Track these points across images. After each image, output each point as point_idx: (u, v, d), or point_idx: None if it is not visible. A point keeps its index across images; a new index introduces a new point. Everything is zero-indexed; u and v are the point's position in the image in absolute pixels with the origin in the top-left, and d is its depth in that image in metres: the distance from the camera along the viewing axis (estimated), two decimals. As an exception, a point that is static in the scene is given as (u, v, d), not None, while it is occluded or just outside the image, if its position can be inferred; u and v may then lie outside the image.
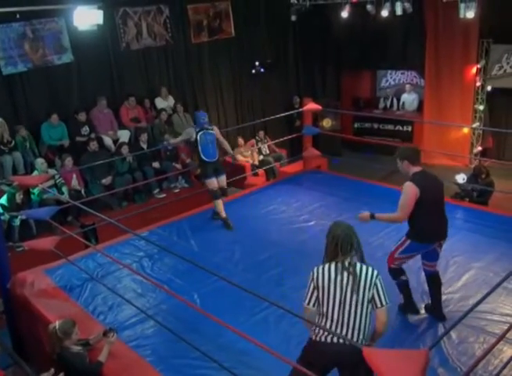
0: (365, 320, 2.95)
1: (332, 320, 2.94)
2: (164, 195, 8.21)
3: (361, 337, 2.94)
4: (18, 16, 7.29)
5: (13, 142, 7.32)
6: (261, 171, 9.17)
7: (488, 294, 2.96)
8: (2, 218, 6.19)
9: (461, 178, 7.63)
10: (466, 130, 10.18)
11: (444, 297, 4.54)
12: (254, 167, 9.36)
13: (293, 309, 3.03)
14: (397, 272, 4.27)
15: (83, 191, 7.54)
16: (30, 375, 4.02)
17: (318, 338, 2.98)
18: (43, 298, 4.87)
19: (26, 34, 7.55)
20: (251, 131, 10.12)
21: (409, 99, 11.28)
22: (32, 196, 7.04)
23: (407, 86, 11.36)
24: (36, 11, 7.44)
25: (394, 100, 11.55)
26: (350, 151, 11.03)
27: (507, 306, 4.41)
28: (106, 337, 3.86)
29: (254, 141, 9.71)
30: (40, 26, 7.70)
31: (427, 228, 4.03)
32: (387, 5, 8.65)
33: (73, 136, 8.03)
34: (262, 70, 10.66)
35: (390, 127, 11.24)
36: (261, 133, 9.69)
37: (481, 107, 9.99)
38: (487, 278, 4.83)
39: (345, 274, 2.94)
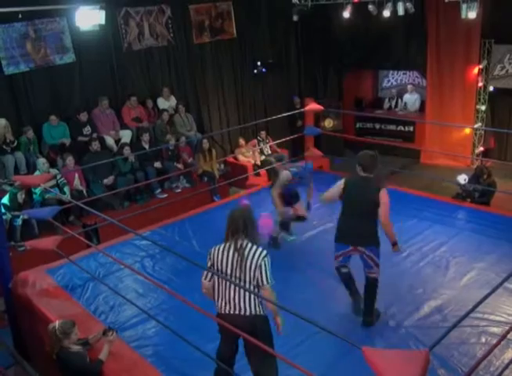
0: (251, 295, 3.26)
1: (224, 294, 3.31)
2: (165, 195, 8.22)
3: (249, 308, 3.27)
4: (20, 15, 7.30)
5: (16, 142, 7.34)
6: (262, 171, 9.17)
7: (489, 294, 2.95)
8: (4, 217, 6.20)
9: (462, 178, 7.60)
10: (468, 130, 10.16)
11: (445, 297, 4.54)
12: (255, 167, 9.36)
13: (295, 309, 3.03)
14: (338, 270, 4.42)
15: (85, 191, 7.55)
16: (31, 375, 4.03)
17: (218, 311, 3.39)
18: (45, 297, 4.88)
19: (28, 33, 7.56)
20: (253, 132, 10.13)
21: (411, 99, 11.27)
22: (34, 196, 7.05)
23: (409, 86, 11.36)
24: (38, 11, 7.46)
25: (397, 100, 11.54)
26: (352, 151, 11.02)
27: (509, 307, 4.41)
28: (106, 336, 3.88)
29: (255, 141, 9.71)
30: (42, 26, 7.71)
31: (340, 228, 4.33)
32: (389, 5, 8.64)
33: (74, 136, 8.04)
34: (264, 70, 10.66)
35: (392, 127, 11.23)
36: (263, 133, 9.70)
37: (483, 108, 9.96)
38: (488, 278, 4.83)
39: (236, 254, 3.27)
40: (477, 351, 3.87)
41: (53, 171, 7.31)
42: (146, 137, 8.35)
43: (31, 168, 7.42)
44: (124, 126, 8.69)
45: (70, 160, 7.40)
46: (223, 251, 3.32)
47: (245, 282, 3.26)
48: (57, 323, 3.87)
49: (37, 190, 6.96)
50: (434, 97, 10.39)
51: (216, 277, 3.35)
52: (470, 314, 2.78)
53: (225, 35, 10.04)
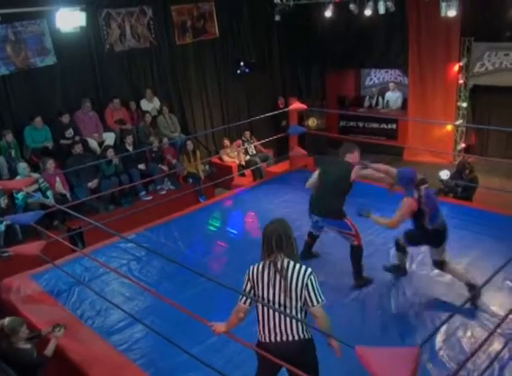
0: (301, 317, 2.98)
1: (267, 322, 3.00)
2: (150, 197, 8.17)
3: (297, 333, 2.98)
4: (-1, 18, 7.20)
5: (-4, 147, 7.24)
6: (247, 171, 9.18)
7: (476, 291, 2.99)
8: (-13, 223, 6.11)
9: (445, 174, 7.70)
10: (449, 127, 10.29)
11: (432, 292, 4.59)
12: (240, 167, 9.35)
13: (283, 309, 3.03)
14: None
15: (68, 195, 7.47)
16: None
17: (260, 339, 3.08)
18: (30, 303, 4.83)
19: (8, 36, 7.45)
20: (237, 132, 10.12)
21: (393, 97, 11.36)
22: (16, 201, 6.95)
23: (391, 84, 11.45)
24: (18, 13, 7.35)
25: (379, 98, 11.64)
26: (335, 150, 11.05)
27: (494, 302, 4.46)
28: (54, 331, 3.97)
29: (240, 141, 9.70)
30: (22, 28, 7.60)
31: (311, 202, 5.02)
32: (370, 4, 8.71)
33: (57, 139, 7.95)
34: (247, 70, 10.66)
35: (375, 125, 11.31)
36: (247, 133, 9.69)
37: (464, 104, 10.09)
38: (473, 275, 4.88)
39: (277, 276, 2.95)
40: (465, 345, 3.91)
41: (35, 175, 7.21)
42: (129, 139, 8.29)
43: (14, 172, 7.30)
44: (107, 128, 8.62)
45: (50, 164, 7.30)
46: (263, 273, 3.00)
47: (291, 305, 2.96)
48: (6, 320, 3.90)
49: (20, 195, 6.86)
50: (416, 95, 10.50)
51: (259, 307, 3.03)
52: (458, 311, 2.82)
53: (208, 36, 10.02)
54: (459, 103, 10.11)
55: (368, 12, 8.82)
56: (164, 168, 8.49)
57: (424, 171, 9.06)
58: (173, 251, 5.75)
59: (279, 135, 8.34)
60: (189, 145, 8.77)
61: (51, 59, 7.97)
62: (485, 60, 9.62)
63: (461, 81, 9.94)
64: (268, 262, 2.99)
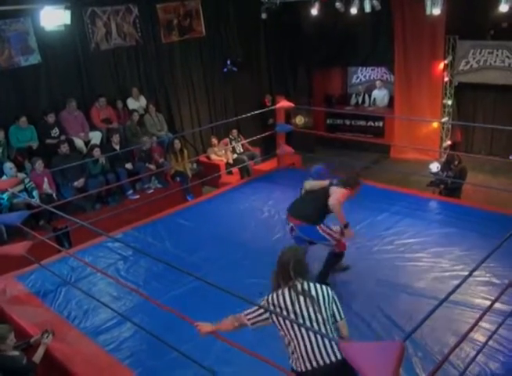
0: (332, 335, 2.95)
1: (305, 345, 2.87)
2: (137, 196, 8.13)
3: (335, 350, 2.86)
4: (-18, 16, 7.12)
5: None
6: (235, 169, 9.18)
7: (459, 285, 3.04)
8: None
9: (435, 166, 7.88)
10: (435, 124, 10.38)
11: (417, 289, 4.65)
12: (228, 165, 9.36)
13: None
14: None
15: (55, 195, 7.42)
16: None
17: (302, 368, 2.89)
18: (16, 305, 4.80)
19: (-9, 35, 7.37)
20: (225, 130, 10.12)
21: (380, 95, 11.44)
22: (1, 201, 6.88)
23: (377, 82, 11.53)
24: (1, 11, 7.26)
25: (366, 96, 11.70)
26: (323, 148, 11.12)
27: (477, 296, 4.53)
28: (42, 338, 3.93)
29: (227, 140, 9.70)
30: (5, 26, 7.51)
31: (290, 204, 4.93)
32: (356, 2, 8.75)
33: (42, 139, 7.89)
34: (234, 68, 10.65)
35: (362, 123, 11.38)
36: (235, 132, 9.70)
37: (450, 102, 10.19)
38: (458, 269, 4.95)
39: (301, 298, 2.93)
40: (450, 339, 3.96)
41: (21, 175, 7.15)
42: (116, 138, 8.25)
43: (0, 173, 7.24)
44: (93, 127, 8.56)
45: (39, 164, 7.25)
46: (285, 301, 2.94)
47: (324, 324, 2.91)
48: None
49: (5, 195, 6.79)
50: (402, 92, 10.58)
51: (287, 330, 2.91)
52: (442, 304, 2.85)
53: (194, 34, 9.99)
54: (444, 101, 10.21)
55: (354, 10, 8.86)
56: (152, 167, 8.46)
57: (411, 168, 9.24)
58: (160, 250, 5.74)
59: (266, 134, 8.36)
60: (177, 144, 8.75)
61: (35, 58, 7.89)
62: (470, 58, 9.72)
63: (446, 79, 10.04)
64: (287, 288, 2.98)
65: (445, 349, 3.74)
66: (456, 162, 7.54)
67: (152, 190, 8.38)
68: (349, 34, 10.76)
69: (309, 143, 10.71)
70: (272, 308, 2.97)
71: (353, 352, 2.28)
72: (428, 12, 8.23)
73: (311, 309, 2.91)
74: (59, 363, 4.02)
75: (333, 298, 3.02)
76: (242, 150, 9.70)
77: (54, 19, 7.63)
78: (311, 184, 4.93)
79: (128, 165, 8.28)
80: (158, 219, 6.60)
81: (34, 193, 7.07)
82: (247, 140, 9.06)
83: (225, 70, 10.61)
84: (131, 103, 9.13)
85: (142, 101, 9.26)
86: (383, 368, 2.12)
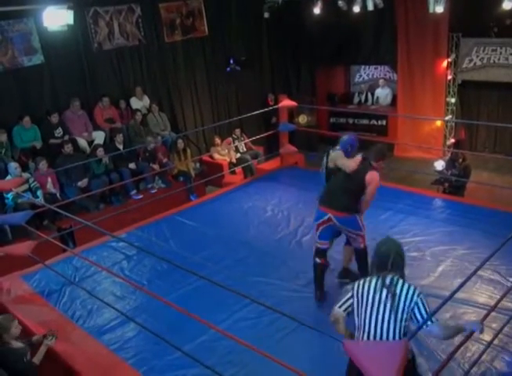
0: (398, 335, 2.90)
1: (368, 336, 2.92)
2: (141, 196, 8.14)
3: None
4: (-15, 17, 7.14)
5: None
6: (238, 169, 9.17)
7: (463, 283, 3.03)
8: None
9: (440, 165, 7.88)
10: (439, 123, 10.35)
11: (422, 286, 4.62)
12: (231, 165, 9.36)
13: (273, 306, 3.05)
14: (316, 253, 4.63)
15: (58, 194, 7.43)
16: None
17: None
18: (21, 304, 4.81)
19: (-6, 35, 7.40)
20: (228, 130, 10.12)
21: (383, 93, 11.40)
22: (6, 201, 6.91)
23: (380, 81, 11.49)
24: (4, 12, 7.28)
25: (369, 95, 11.67)
26: (326, 146, 11.08)
27: (482, 294, 4.52)
28: (45, 338, 3.91)
29: (230, 139, 9.70)
30: (8, 27, 7.53)
31: (323, 192, 4.65)
32: (359, 0, 8.72)
33: (46, 139, 7.90)
34: (237, 67, 10.64)
35: (365, 121, 11.35)
36: (238, 131, 9.69)
37: (453, 100, 10.15)
38: (462, 267, 4.94)
39: (384, 292, 2.92)
40: (455, 338, 3.94)
41: (25, 175, 7.17)
42: (119, 138, 8.26)
43: (3, 172, 7.25)
44: (96, 127, 8.58)
45: (43, 164, 7.26)
46: (369, 288, 2.98)
47: (395, 324, 2.89)
48: None
49: (10, 195, 6.81)
50: (405, 91, 10.54)
51: (359, 315, 2.98)
52: (447, 302, 2.84)
53: (197, 33, 9.99)
54: (448, 99, 10.16)
55: (357, 8, 8.83)
56: (156, 166, 8.47)
57: (415, 167, 9.21)
58: (164, 249, 5.74)
59: (269, 133, 8.35)
60: (180, 143, 8.76)
61: (38, 58, 7.91)
62: (473, 56, 9.68)
63: (450, 77, 10.00)
64: (375, 278, 2.99)
65: (449, 348, 3.72)
66: (461, 160, 7.56)
67: (155, 190, 8.38)
68: (352, 33, 10.74)
69: (312, 142, 10.71)
70: (355, 291, 3.01)
71: (357, 351, 2.28)
72: (431, 10, 8.20)
73: (388, 305, 2.89)
74: (63, 363, 4.03)
75: (416, 302, 2.88)
76: (245, 150, 9.70)
77: (57, 19, 7.64)
78: (340, 160, 4.58)
79: (132, 165, 8.29)
80: (162, 219, 6.61)
81: (39, 192, 7.08)
82: (250, 139, 9.05)
83: (228, 69, 10.60)
84: (135, 103, 9.13)
85: (146, 101, 9.26)
86: (387, 367, 2.12)
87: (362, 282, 3.02)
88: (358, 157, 4.51)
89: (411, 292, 2.90)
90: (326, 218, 4.51)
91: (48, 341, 3.91)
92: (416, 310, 2.87)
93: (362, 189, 4.45)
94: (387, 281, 2.93)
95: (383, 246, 3.06)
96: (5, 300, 4.85)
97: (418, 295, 2.90)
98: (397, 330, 2.87)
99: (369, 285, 2.98)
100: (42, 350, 3.89)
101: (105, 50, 8.74)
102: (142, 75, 9.33)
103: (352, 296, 3.03)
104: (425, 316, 2.85)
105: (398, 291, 2.90)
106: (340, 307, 3.07)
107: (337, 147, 4.70)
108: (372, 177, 4.44)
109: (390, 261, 2.97)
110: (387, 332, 2.87)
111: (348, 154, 4.57)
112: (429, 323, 2.85)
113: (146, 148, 8.41)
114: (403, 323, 2.89)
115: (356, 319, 3.00)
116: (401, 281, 2.95)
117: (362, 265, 4.62)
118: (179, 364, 3.83)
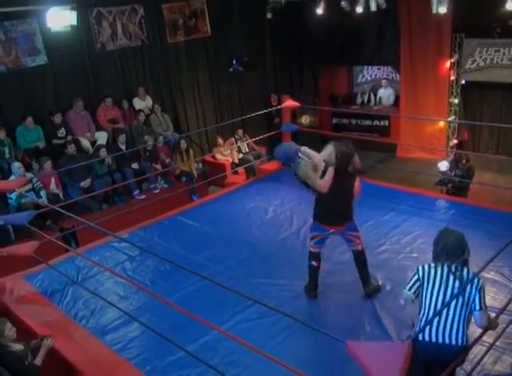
0: (465, 322, 3.09)
1: (433, 318, 3.08)
2: (143, 196, 8.15)
3: (460, 337, 3.06)
4: (-12, 18, 7.16)
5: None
6: (241, 169, 9.18)
7: (465, 284, 3.02)
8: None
9: (444, 165, 7.88)
10: (442, 123, 10.33)
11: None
12: (233, 165, 9.36)
13: (276, 307, 3.05)
14: (312, 256, 4.63)
15: (61, 195, 7.45)
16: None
17: (421, 337, 3.11)
18: (24, 304, 4.81)
19: (-3, 36, 7.42)
20: (230, 130, 10.12)
21: (386, 94, 11.40)
22: (9, 201, 6.92)
23: (383, 81, 11.49)
24: (8, 12, 7.31)
25: (372, 95, 11.67)
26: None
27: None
28: (43, 340, 3.90)
29: (233, 139, 9.70)
30: (12, 28, 7.56)
31: (322, 210, 4.54)
32: (362, 1, 8.71)
33: (49, 139, 7.93)
34: (240, 68, 10.65)
35: (367, 122, 11.34)
36: (240, 131, 9.69)
37: (456, 101, 10.14)
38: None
39: (451, 277, 3.11)
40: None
41: (29, 175, 7.19)
42: (122, 138, 8.27)
43: (6, 172, 7.27)
44: (99, 128, 8.59)
45: (48, 165, 7.28)
46: (435, 273, 3.17)
47: (461, 309, 3.07)
48: None
49: (13, 195, 6.83)
50: (408, 91, 10.53)
51: (425, 299, 3.16)
52: (450, 302, 2.84)
53: (200, 34, 10.00)
54: (451, 99, 10.16)
55: (359, 9, 8.82)
56: (158, 166, 8.48)
57: (418, 167, 9.21)
58: (167, 250, 5.75)
59: (272, 133, 8.35)
60: (183, 143, 8.77)
61: (42, 59, 7.93)
62: (476, 56, 9.67)
63: (453, 78, 9.99)
64: (441, 264, 3.17)
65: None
66: (464, 161, 7.56)
67: (158, 190, 8.40)
68: (355, 33, 10.73)
69: (315, 143, 10.65)
70: (421, 275, 3.20)
71: (360, 352, 2.28)
72: (434, 10, 8.18)
73: (455, 291, 3.07)
74: (66, 362, 4.03)
75: (479, 289, 3.08)
76: (247, 150, 9.70)
77: (60, 20, 7.66)
78: (310, 179, 4.43)
79: (134, 165, 8.31)
80: (164, 219, 6.61)
81: (42, 193, 7.10)
82: (253, 139, 9.05)
83: (231, 69, 10.61)
84: (137, 103, 9.15)
85: (148, 101, 9.28)
86: (390, 368, 2.12)
87: (427, 267, 3.21)
88: (331, 172, 4.34)
89: (476, 280, 3.09)
90: (329, 232, 4.53)
91: (46, 342, 3.89)
92: (476, 296, 3.06)
93: (352, 191, 4.51)
94: (453, 268, 3.13)
95: (450, 236, 3.24)
96: (8, 300, 4.86)
97: (480, 281, 3.10)
98: (462, 315, 3.05)
99: (435, 271, 3.17)
100: (42, 351, 3.87)
101: (108, 51, 8.76)
102: (144, 76, 9.35)
103: (419, 279, 3.22)
104: (482, 301, 3.06)
105: (465, 277, 3.11)
106: (409, 290, 3.26)
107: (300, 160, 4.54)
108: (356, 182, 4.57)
109: (457, 249, 3.16)
110: (452, 316, 3.05)
111: (293, 162, 4.51)
112: (483, 307, 3.06)
113: (146, 148, 8.43)
114: (467, 308, 3.07)
115: (422, 301, 3.19)
116: (465, 268, 3.17)
117: (363, 268, 4.61)
118: (182, 364, 3.83)
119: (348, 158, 4.41)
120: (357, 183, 4.63)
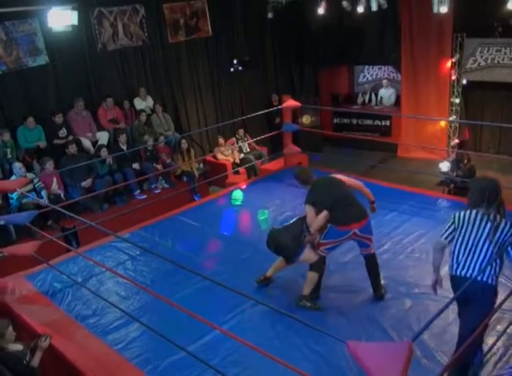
0: (492, 261, 3.31)
1: (463, 257, 3.39)
2: (144, 196, 8.16)
3: (486, 274, 3.30)
4: (-10, 18, 7.17)
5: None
6: (242, 169, 9.18)
7: (467, 284, 3.02)
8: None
9: (445, 166, 7.88)
10: (443, 123, 10.33)
11: (426, 288, 4.62)
12: (234, 165, 9.36)
13: (277, 307, 3.05)
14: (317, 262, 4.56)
15: (62, 195, 7.46)
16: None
17: (452, 272, 3.48)
18: (25, 304, 4.81)
19: (-1, 36, 7.42)
20: (231, 130, 10.13)
21: (387, 93, 11.40)
22: (11, 201, 6.93)
23: (384, 81, 11.49)
24: (9, 12, 7.31)
25: (373, 95, 11.67)
26: (330, 147, 11.11)
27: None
28: (39, 341, 3.87)
29: (234, 139, 9.71)
30: (13, 28, 7.56)
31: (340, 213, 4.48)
32: (363, 0, 8.72)
33: (50, 139, 7.93)
34: (241, 68, 10.65)
35: (369, 122, 11.35)
36: (241, 131, 9.70)
37: (457, 100, 10.13)
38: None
39: (484, 220, 3.37)
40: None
41: (30, 175, 7.19)
42: (123, 138, 8.28)
43: (7, 172, 7.28)
44: (100, 128, 8.60)
45: (50, 165, 7.29)
46: (469, 217, 3.42)
47: (492, 249, 3.33)
48: None
49: (14, 195, 6.84)
50: (409, 91, 10.53)
51: (457, 240, 3.45)
52: (451, 304, 2.84)
53: (201, 34, 10.00)
54: (452, 99, 10.15)
55: (360, 9, 8.83)
56: (159, 167, 8.48)
57: (419, 167, 9.21)
58: (168, 250, 5.75)
59: (273, 133, 8.34)
60: (184, 143, 8.78)
61: (43, 59, 7.93)
62: (478, 56, 9.67)
63: (454, 77, 9.98)
64: (476, 210, 3.41)
65: (452, 350, 3.71)
66: (465, 161, 7.55)
67: (159, 190, 8.40)
68: (356, 33, 10.74)
69: (316, 143, 10.71)
70: (456, 220, 3.49)
71: (361, 353, 2.28)
72: (435, 10, 8.18)
73: (486, 231, 3.35)
74: (67, 363, 4.03)
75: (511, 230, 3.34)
76: (248, 150, 9.70)
77: (61, 20, 7.68)
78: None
79: (135, 165, 8.31)
80: (165, 219, 6.61)
81: (43, 193, 7.11)
82: (254, 139, 9.06)
83: (232, 69, 10.61)
84: (139, 103, 9.15)
85: (149, 101, 9.28)
86: (391, 368, 2.12)
87: (462, 213, 3.47)
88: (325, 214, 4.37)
89: (508, 225, 3.36)
90: (348, 235, 4.38)
91: (42, 343, 3.86)
92: (508, 235, 3.34)
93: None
94: (487, 211, 3.36)
95: (483, 181, 3.51)
96: (9, 300, 4.86)
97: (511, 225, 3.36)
98: (489, 253, 3.31)
99: (469, 216, 3.43)
100: (38, 353, 3.84)
101: (109, 51, 8.77)
102: (145, 75, 9.35)
103: (453, 223, 3.50)
104: None
105: (497, 220, 3.35)
106: (446, 238, 3.53)
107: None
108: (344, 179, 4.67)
109: (492, 192, 3.38)
110: (479, 253, 3.33)
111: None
112: None
113: (146, 148, 8.43)
114: (495, 247, 3.33)
115: (454, 243, 3.48)
116: (498, 215, 3.38)
117: (375, 272, 4.57)
118: (183, 364, 3.83)
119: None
120: (357, 183, 4.69)
